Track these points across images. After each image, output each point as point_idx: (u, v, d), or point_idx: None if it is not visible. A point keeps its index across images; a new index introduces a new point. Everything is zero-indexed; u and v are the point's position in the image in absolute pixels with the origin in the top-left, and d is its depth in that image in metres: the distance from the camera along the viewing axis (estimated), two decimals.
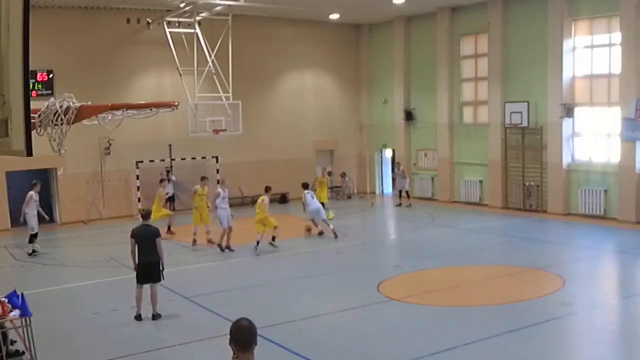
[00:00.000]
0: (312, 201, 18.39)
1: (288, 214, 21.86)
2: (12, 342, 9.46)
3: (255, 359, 4.15)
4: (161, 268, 11.07)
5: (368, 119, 28.71)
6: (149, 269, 11.01)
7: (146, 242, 11.01)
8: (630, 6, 18.49)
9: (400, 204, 24.13)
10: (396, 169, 24.84)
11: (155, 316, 11.06)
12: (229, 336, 4.14)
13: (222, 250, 16.82)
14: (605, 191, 19.85)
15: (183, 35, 22.09)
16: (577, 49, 20.59)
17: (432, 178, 25.70)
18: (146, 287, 11.05)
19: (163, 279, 11.18)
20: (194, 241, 17.68)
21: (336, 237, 17.83)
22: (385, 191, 28.64)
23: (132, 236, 11.09)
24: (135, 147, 22.79)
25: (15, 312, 8.94)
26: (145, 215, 11.60)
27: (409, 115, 26.29)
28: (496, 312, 10.96)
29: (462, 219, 21.12)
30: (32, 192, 17.18)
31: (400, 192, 24.43)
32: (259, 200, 17.03)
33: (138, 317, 11.01)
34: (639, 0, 18.31)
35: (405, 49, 26.38)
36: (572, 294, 11.96)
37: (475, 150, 23.88)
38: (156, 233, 11.16)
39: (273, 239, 16.86)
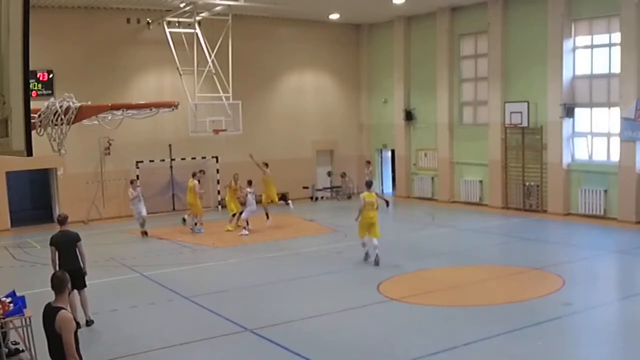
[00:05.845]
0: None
1: (288, 213, 21.82)
2: (15, 343, 9.44)
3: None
4: (84, 273, 10.53)
5: (368, 119, 28.72)
6: (71, 277, 10.34)
7: (67, 249, 10.40)
8: (630, 6, 18.49)
9: None
10: None
11: (89, 322, 10.64)
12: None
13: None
14: (605, 191, 19.85)
15: (183, 35, 22.08)
16: (577, 49, 20.60)
17: (432, 178, 25.70)
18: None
19: (85, 285, 10.66)
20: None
21: None
22: (385, 191, 28.62)
23: (51, 244, 10.45)
24: (135, 147, 22.81)
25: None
26: (62, 220, 10.71)
27: (409, 115, 26.29)
28: (496, 312, 10.95)
29: (462, 219, 21.11)
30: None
31: None
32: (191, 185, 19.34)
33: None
34: (639, 0, 18.32)
35: (405, 49, 26.38)
36: (572, 294, 11.95)
37: (475, 150, 23.88)
38: (76, 238, 10.50)
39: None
